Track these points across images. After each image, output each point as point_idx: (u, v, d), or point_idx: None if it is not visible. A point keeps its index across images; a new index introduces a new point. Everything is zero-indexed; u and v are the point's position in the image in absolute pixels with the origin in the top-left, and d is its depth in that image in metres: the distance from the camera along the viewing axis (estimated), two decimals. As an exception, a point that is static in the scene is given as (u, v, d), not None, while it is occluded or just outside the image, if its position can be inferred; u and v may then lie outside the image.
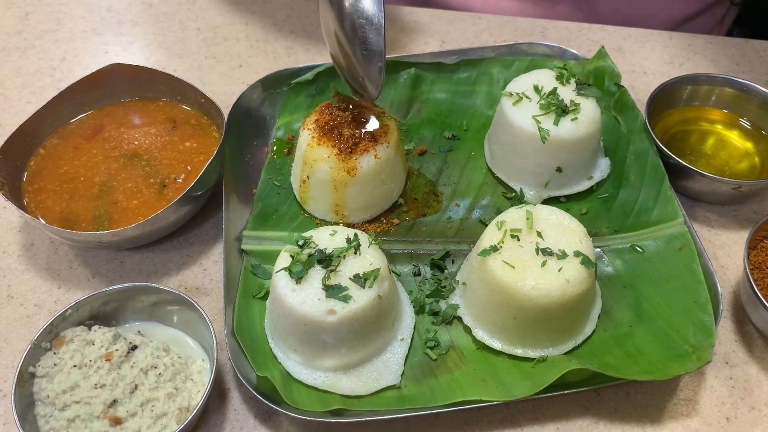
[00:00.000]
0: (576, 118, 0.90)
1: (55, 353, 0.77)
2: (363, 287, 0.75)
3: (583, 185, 0.96)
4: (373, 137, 0.90)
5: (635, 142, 0.97)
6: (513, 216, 0.81)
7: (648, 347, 0.80)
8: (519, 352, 0.80)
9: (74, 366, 0.76)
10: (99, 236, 0.84)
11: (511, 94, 0.94)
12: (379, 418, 0.74)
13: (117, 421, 0.73)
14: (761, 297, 0.78)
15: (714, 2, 1.22)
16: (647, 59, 1.15)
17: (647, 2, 1.21)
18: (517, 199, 0.96)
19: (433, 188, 0.98)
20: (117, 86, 0.99)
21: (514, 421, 0.77)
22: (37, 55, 1.16)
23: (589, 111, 0.91)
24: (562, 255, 0.76)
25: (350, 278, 0.75)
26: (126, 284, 0.80)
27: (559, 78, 0.94)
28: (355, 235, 0.78)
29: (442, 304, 0.85)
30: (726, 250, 0.92)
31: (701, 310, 0.80)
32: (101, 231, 0.84)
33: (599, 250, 0.90)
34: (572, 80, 0.94)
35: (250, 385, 0.74)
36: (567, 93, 0.93)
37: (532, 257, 0.77)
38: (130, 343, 0.78)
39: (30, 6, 1.24)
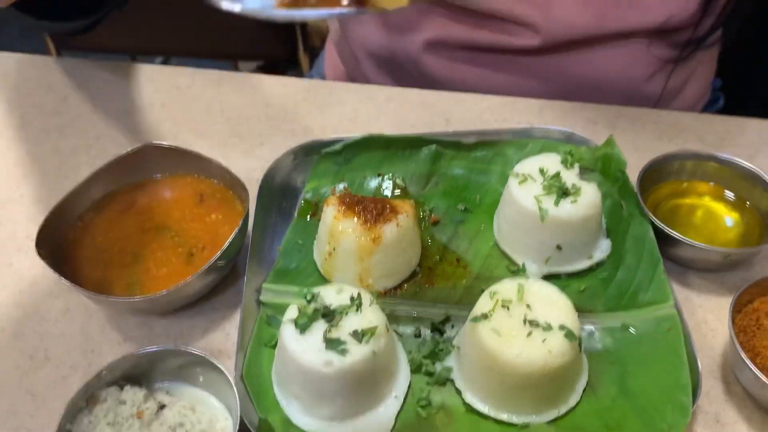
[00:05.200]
0: (576, 201, 0.97)
1: (90, 412, 0.83)
2: (360, 342, 0.81)
3: (583, 264, 1.02)
4: (393, 208, 0.98)
5: (634, 225, 1.04)
6: (506, 287, 0.87)
7: (627, 422, 0.85)
8: (504, 417, 0.85)
9: (108, 424, 0.82)
10: (132, 302, 0.91)
11: (517, 175, 1.02)
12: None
13: (147, 475, 0.78)
14: (746, 359, 0.83)
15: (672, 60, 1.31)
16: (638, 135, 1.23)
17: (605, 69, 1.30)
18: (520, 273, 1.02)
19: (448, 256, 1.05)
20: (149, 164, 1.08)
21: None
22: (74, 134, 1.25)
23: (589, 195, 0.98)
24: (548, 327, 0.82)
25: (349, 333, 0.82)
26: (155, 347, 0.86)
27: (564, 162, 1.02)
28: (359, 294, 0.86)
29: (438, 366, 0.91)
30: (716, 314, 0.98)
31: (681, 391, 0.85)
32: (134, 297, 0.92)
33: (592, 327, 0.95)
34: (576, 165, 1.02)
35: (252, 427, 0.80)
36: (570, 177, 1.00)
37: (519, 327, 0.83)
38: (160, 402, 0.84)
39: (68, 90, 1.34)
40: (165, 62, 3.18)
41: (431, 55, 1.33)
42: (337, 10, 0.70)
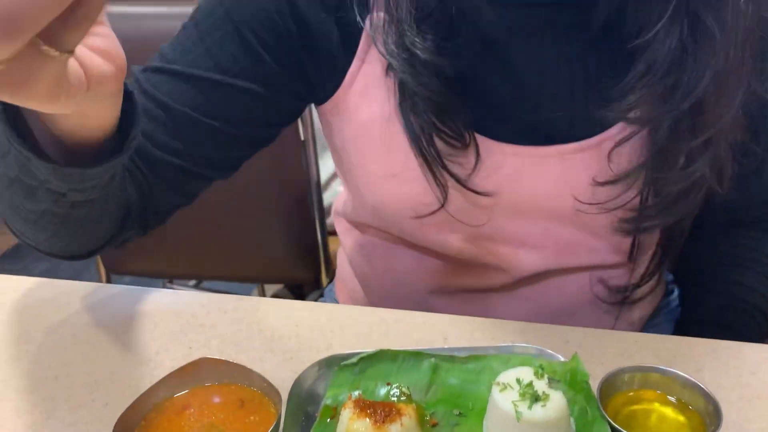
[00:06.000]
0: (545, 405, 1.20)
1: None
2: None
3: (556, 458, 1.23)
4: (399, 411, 1.20)
5: (596, 426, 1.25)
6: (488, 471, 1.09)
7: None
8: None
9: None
10: (186, 487, 1.12)
11: (499, 384, 1.26)
12: None
13: None
14: None
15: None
16: (604, 352, 1.48)
17: (568, 293, 1.62)
18: (506, 465, 1.23)
19: (446, 453, 1.26)
20: (202, 374, 1.33)
21: None
22: (137, 350, 1.52)
23: (556, 401, 1.21)
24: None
25: None
26: None
27: (536, 374, 1.26)
28: (369, 471, 1.07)
29: None
30: (670, 504, 1.17)
31: None
32: (188, 483, 1.13)
33: (564, 501, 1.15)
34: (546, 376, 1.26)
35: None
36: (541, 386, 1.24)
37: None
38: None
39: (129, 312, 1.64)
40: (198, 284, 3.54)
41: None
42: None
